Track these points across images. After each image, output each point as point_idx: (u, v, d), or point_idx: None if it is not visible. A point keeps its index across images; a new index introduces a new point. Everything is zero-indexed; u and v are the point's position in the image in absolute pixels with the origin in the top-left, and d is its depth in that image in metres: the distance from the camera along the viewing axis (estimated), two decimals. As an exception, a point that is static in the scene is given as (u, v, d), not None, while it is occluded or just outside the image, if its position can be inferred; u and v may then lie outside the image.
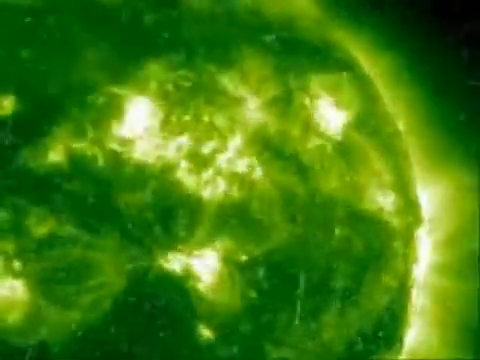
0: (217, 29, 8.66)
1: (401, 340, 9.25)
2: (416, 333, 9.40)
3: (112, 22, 8.40)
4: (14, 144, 7.79)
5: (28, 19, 8.24)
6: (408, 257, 9.10)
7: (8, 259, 7.58)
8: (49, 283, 7.63)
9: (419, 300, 9.33)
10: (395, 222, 8.91)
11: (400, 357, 9.32)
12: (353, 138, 8.79)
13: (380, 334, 8.86)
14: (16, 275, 7.60)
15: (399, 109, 9.43)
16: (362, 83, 9.18)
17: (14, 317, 7.58)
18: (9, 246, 7.57)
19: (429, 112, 9.41)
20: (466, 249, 9.43)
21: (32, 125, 7.89)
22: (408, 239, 9.12)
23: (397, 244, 8.92)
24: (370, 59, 9.35)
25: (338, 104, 8.80)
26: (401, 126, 9.46)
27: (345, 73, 8.97)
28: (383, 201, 8.78)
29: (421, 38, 9.15)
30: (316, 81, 8.75)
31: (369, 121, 9.01)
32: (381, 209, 8.73)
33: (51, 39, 8.21)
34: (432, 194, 9.48)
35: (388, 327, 8.98)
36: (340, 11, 9.27)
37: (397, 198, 8.96)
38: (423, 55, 9.22)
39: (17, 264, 7.59)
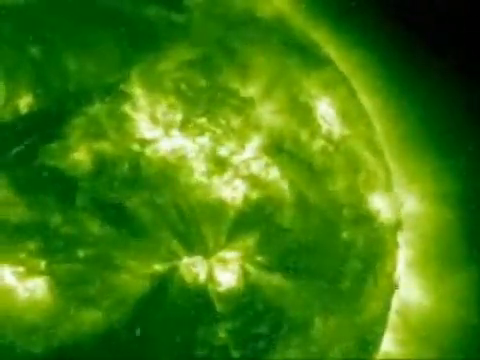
0: (220, 29, 8.73)
1: (381, 340, 9.53)
2: (392, 333, 9.69)
3: (122, 21, 8.34)
4: (33, 143, 7.57)
5: (37, 18, 8.05)
6: (395, 259, 9.40)
7: (32, 258, 7.35)
8: (72, 283, 7.45)
9: (398, 300, 9.63)
10: (386, 223, 9.19)
11: (377, 357, 9.57)
12: (348, 138, 9.02)
13: (372, 336, 9.12)
14: (40, 274, 7.37)
15: (381, 113, 9.71)
16: (350, 83, 9.44)
17: (37, 316, 7.35)
18: (33, 245, 7.34)
19: (409, 118, 9.72)
20: (443, 251, 9.79)
21: (49, 125, 7.71)
22: (394, 241, 9.41)
23: (388, 245, 9.22)
24: (356, 61, 9.59)
25: (334, 104, 9.03)
26: (381, 127, 9.74)
27: (338, 73, 9.24)
28: (379, 202, 9.05)
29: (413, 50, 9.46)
30: (314, 81, 8.96)
31: (360, 122, 9.27)
32: (378, 210, 9.00)
33: (63, 38, 8.04)
34: (411, 198, 9.80)
35: (377, 329, 9.24)
36: (323, 13, 9.50)
37: (387, 199, 9.25)
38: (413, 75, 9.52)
39: (41, 263, 7.37)
